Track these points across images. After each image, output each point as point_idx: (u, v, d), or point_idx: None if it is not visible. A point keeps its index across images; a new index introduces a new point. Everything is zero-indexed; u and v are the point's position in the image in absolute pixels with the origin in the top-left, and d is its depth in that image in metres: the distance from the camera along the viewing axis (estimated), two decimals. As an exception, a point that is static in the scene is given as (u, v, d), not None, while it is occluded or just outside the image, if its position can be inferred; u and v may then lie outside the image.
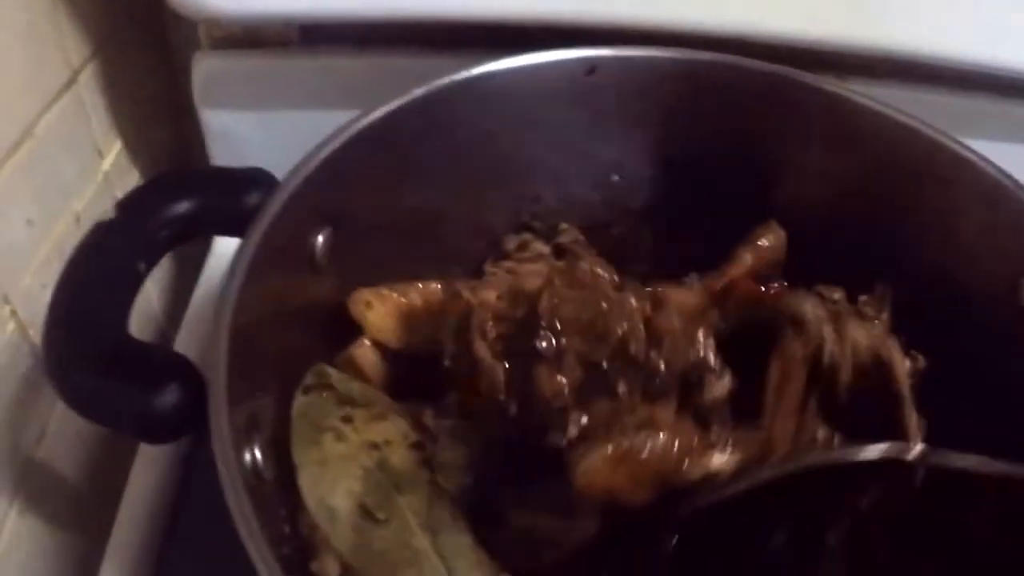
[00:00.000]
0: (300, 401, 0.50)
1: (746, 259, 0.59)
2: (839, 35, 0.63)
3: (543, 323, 0.49)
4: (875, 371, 0.52)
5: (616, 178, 0.64)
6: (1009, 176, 0.55)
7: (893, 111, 0.58)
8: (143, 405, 0.41)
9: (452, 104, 0.55)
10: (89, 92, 0.68)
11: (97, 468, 0.70)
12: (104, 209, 0.69)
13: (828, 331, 0.52)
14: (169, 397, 0.41)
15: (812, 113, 0.59)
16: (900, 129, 0.58)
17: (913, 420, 0.50)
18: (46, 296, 0.60)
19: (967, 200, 0.56)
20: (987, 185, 0.55)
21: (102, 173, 0.70)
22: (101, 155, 0.70)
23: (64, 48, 0.65)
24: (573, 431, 0.46)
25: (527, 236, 0.64)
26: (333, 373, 0.52)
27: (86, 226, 0.64)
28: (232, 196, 0.48)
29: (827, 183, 0.61)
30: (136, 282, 0.46)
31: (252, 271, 0.44)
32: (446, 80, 0.54)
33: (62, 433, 0.65)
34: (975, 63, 0.66)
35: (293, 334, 0.51)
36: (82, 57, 0.67)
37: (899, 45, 0.64)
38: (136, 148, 0.75)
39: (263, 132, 0.69)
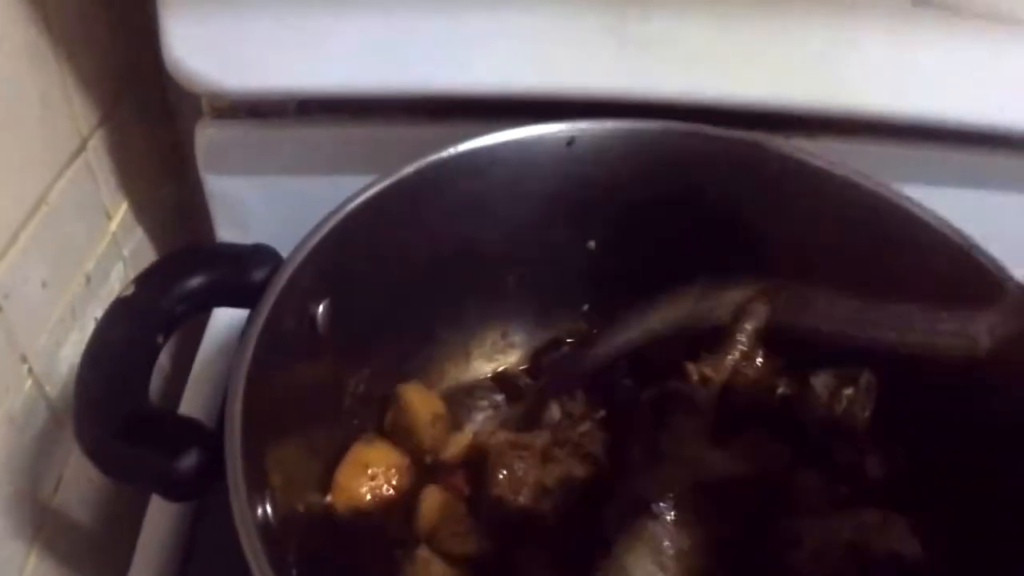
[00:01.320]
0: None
1: (742, 341, 0.67)
2: (803, 99, 0.70)
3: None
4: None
5: (592, 245, 0.71)
6: (962, 234, 0.60)
7: (860, 177, 0.64)
8: (167, 468, 0.47)
9: (442, 179, 0.61)
10: (97, 157, 0.73)
11: (111, 516, 0.75)
12: (112, 267, 0.76)
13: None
14: (189, 460, 0.47)
15: (779, 177, 0.65)
16: (862, 193, 0.64)
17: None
18: (60, 353, 0.67)
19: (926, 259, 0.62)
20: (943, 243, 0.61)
21: (110, 234, 0.75)
22: (109, 216, 0.75)
23: (74, 117, 0.70)
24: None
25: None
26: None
27: (96, 285, 0.71)
28: (240, 272, 0.54)
29: (797, 248, 0.67)
30: (154, 353, 0.52)
31: (260, 342, 0.50)
32: (437, 156, 0.61)
33: (77, 482, 0.70)
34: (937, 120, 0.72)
35: (298, 397, 0.56)
36: (91, 125, 0.72)
37: (861, 106, 0.71)
38: (141, 208, 0.80)
39: (263, 196, 0.75)
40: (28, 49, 0.63)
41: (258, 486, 0.49)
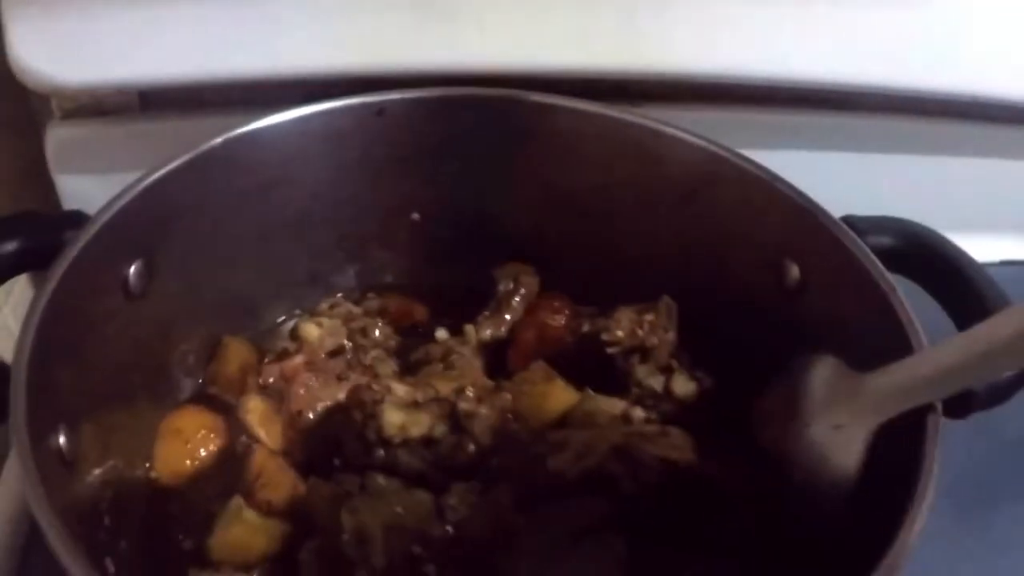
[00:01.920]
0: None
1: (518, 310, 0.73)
2: (608, 64, 0.75)
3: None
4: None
5: (416, 216, 0.75)
6: (766, 170, 0.65)
7: (649, 121, 0.68)
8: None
9: (251, 150, 0.65)
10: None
11: None
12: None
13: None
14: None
15: (568, 131, 0.70)
16: (661, 137, 0.68)
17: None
18: None
19: (730, 196, 0.67)
20: (746, 179, 0.65)
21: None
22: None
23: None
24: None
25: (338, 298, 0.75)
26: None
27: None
28: (51, 235, 0.58)
29: (593, 197, 0.72)
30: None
31: (60, 291, 0.54)
32: (244, 128, 0.65)
33: None
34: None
35: (109, 349, 0.60)
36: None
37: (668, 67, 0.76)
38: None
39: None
40: None
41: (53, 417, 0.52)
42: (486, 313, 0.74)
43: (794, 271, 0.65)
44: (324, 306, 0.73)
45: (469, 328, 0.73)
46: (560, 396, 0.66)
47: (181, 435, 0.65)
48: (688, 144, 0.67)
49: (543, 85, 0.71)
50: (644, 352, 0.67)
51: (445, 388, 0.64)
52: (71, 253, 0.56)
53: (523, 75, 0.73)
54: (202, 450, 0.65)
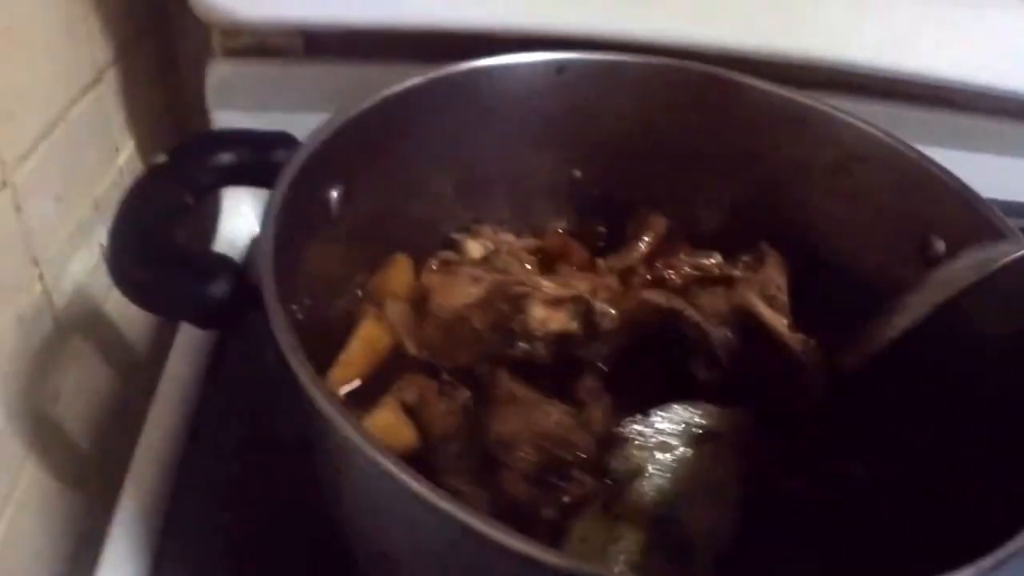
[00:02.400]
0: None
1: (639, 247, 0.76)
2: (769, 45, 0.79)
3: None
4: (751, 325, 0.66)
5: (578, 173, 0.78)
6: (918, 151, 0.67)
7: (809, 99, 0.71)
8: (199, 294, 0.52)
9: (447, 92, 0.67)
10: (111, 91, 0.79)
11: (106, 435, 0.79)
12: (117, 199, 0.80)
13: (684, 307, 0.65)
14: (220, 287, 0.52)
15: (743, 107, 0.73)
16: (819, 115, 0.71)
17: (798, 342, 0.64)
18: (68, 267, 0.72)
19: (881, 173, 0.69)
20: (898, 158, 0.68)
21: (117, 167, 0.81)
22: (117, 150, 0.81)
23: (92, 49, 0.76)
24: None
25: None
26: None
27: (103, 211, 0.76)
28: (263, 153, 0.59)
29: (756, 169, 0.75)
30: (184, 209, 0.57)
31: (282, 209, 0.55)
32: (439, 73, 0.67)
33: (74, 400, 0.74)
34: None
35: (317, 259, 0.62)
36: (107, 59, 0.78)
37: (818, 53, 0.80)
38: (145, 147, 0.85)
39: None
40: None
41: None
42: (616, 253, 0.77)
43: (939, 246, 0.66)
44: (487, 230, 0.76)
45: (600, 261, 0.76)
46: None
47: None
48: (843, 121, 0.70)
49: (703, 58, 0.74)
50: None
51: (583, 286, 0.67)
52: (291, 171, 0.57)
53: (689, 50, 0.76)
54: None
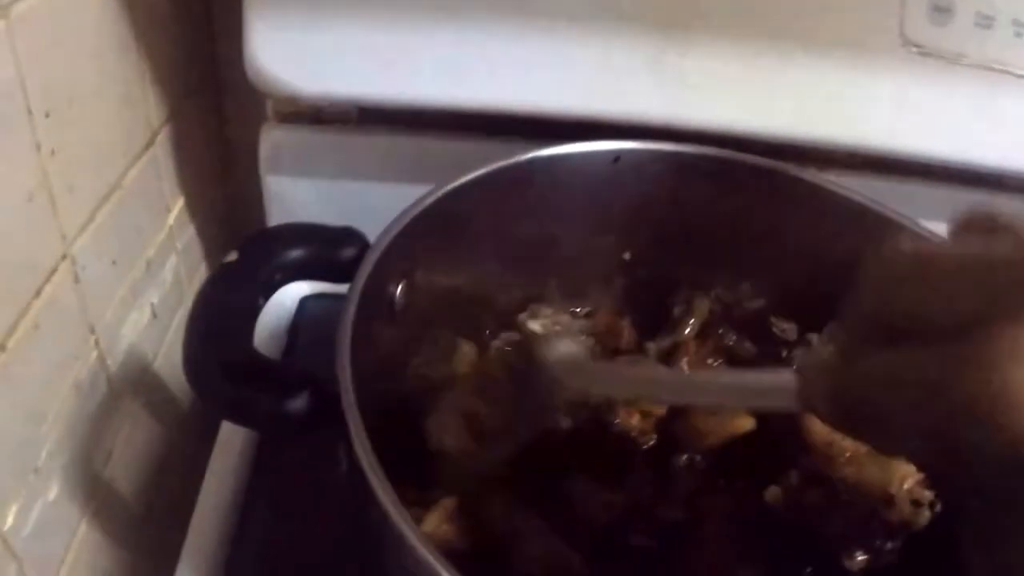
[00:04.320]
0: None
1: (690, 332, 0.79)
2: (817, 132, 0.81)
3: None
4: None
5: (628, 256, 0.81)
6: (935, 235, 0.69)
7: (867, 199, 0.74)
8: (279, 410, 0.54)
9: (506, 182, 0.70)
10: (163, 152, 0.80)
11: (158, 492, 0.81)
12: (168, 258, 0.83)
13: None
14: (300, 402, 0.54)
15: (793, 199, 0.75)
16: (868, 213, 0.73)
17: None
18: (121, 331, 0.74)
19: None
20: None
21: (168, 226, 0.83)
22: (168, 209, 0.83)
23: (148, 112, 0.78)
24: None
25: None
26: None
27: (155, 272, 0.78)
28: (332, 248, 0.62)
29: (800, 259, 0.77)
30: (256, 312, 0.59)
31: (357, 311, 0.58)
32: (503, 163, 0.69)
33: (127, 458, 0.76)
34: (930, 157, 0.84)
35: (382, 359, 0.64)
36: (160, 120, 0.80)
37: (867, 141, 0.82)
38: (193, 205, 0.87)
39: (318, 198, 0.84)
40: (119, 44, 0.71)
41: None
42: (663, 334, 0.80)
43: None
44: (547, 309, 0.78)
45: (649, 345, 0.79)
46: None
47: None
48: (897, 223, 0.73)
49: (741, 146, 0.77)
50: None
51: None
52: (366, 269, 0.60)
53: (732, 136, 0.79)
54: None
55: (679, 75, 0.77)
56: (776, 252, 0.78)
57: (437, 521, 0.62)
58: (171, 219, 0.83)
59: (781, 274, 0.78)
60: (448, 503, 0.63)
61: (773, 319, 0.79)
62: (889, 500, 0.64)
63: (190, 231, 0.88)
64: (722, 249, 0.78)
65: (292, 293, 0.87)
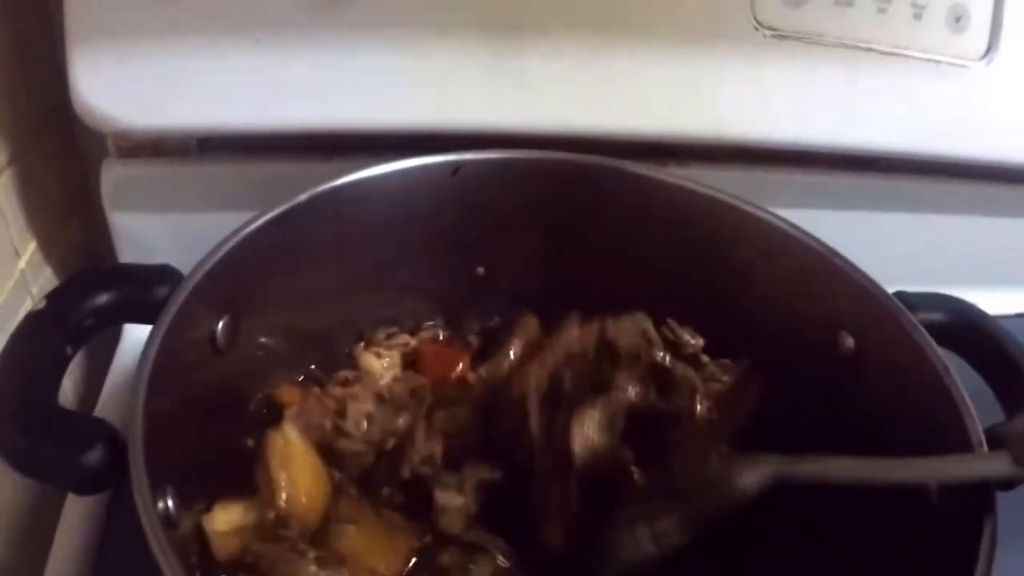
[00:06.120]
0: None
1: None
2: (671, 127, 0.81)
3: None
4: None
5: (481, 271, 0.80)
6: (823, 244, 0.70)
7: (712, 191, 0.73)
8: (74, 463, 0.53)
9: (333, 206, 0.69)
10: (7, 196, 0.79)
11: (26, 524, 0.80)
12: (21, 304, 0.82)
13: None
14: (95, 455, 0.53)
15: (636, 196, 0.75)
16: (723, 207, 0.73)
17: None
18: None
19: (788, 269, 0.72)
20: (804, 253, 0.71)
21: (18, 271, 0.82)
22: (18, 254, 0.82)
23: (-13, 153, 0.77)
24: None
25: (394, 329, 0.79)
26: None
27: (4, 317, 0.77)
28: (144, 289, 0.61)
29: (660, 260, 0.77)
30: (64, 362, 0.58)
31: (162, 351, 0.57)
32: (328, 185, 0.68)
33: None
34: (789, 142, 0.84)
35: (201, 405, 0.63)
36: (2, 163, 0.79)
37: (726, 133, 0.82)
38: (48, 247, 0.86)
39: (166, 232, 0.82)
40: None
41: (160, 483, 0.55)
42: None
43: (848, 342, 0.69)
44: (381, 336, 0.78)
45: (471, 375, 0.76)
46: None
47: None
48: (750, 216, 0.73)
49: (599, 148, 0.76)
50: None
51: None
52: (171, 311, 0.59)
53: (582, 137, 0.78)
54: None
55: (518, 79, 0.77)
56: (631, 253, 0.77)
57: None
58: (22, 263, 0.82)
59: (638, 275, 0.77)
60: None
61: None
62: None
63: (47, 273, 0.87)
64: (577, 257, 0.78)
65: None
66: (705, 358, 0.76)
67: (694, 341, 0.75)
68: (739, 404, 0.70)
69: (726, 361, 0.75)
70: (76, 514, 0.73)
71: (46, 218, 0.86)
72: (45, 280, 0.86)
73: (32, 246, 0.84)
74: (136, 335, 0.83)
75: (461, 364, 0.78)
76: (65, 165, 0.90)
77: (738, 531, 0.62)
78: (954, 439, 0.58)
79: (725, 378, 0.74)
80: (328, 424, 0.68)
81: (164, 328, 0.58)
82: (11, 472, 0.55)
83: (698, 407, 0.71)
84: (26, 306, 0.82)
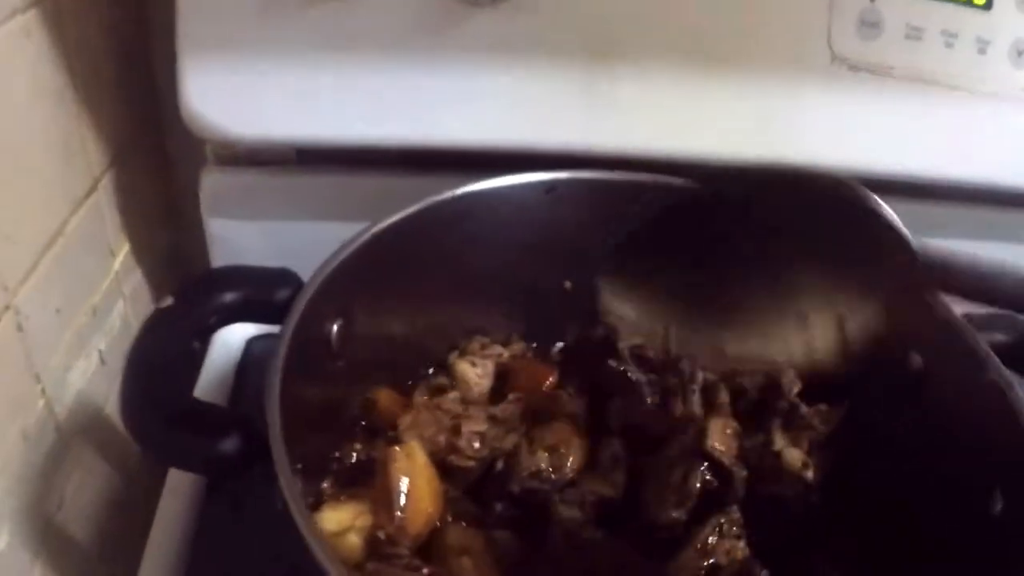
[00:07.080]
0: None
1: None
2: (750, 154, 0.83)
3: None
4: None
5: (568, 285, 0.83)
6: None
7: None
8: (211, 452, 0.57)
9: (438, 219, 0.72)
10: (106, 197, 0.83)
11: (111, 535, 0.83)
12: (115, 304, 0.85)
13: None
14: (231, 444, 0.57)
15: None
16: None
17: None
18: (68, 378, 0.76)
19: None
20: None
21: (113, 272, 0.85)
22: (113, 254, 0.85)
23: (89, 160, 0.80)
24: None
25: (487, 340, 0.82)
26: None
27: (101, 318, 0.81)
28: (266, 290, 0.64)
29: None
30: (192, 357, 0.62)
31: (292, 347, 0.60)
32: (436, 199, 0.72)
33: (78, 501, 0.78)
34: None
35: (314, 405, 0.66)
36: (102, 167, 0.82)
37: (801, 160, 0.84)
38: (140, 249, 0.89)
39: (261, 239, 0.86)
40: (55, 94, 0.74)
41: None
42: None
43: (916, 361, 0.72)
44: (476, 346, 0.80)
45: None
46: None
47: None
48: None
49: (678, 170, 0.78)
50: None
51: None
52: (298, 310, 0.62)
53: (673, 160, 0.81)
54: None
55: (611, 102, 0.80)
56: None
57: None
58: (117, 264, 0.86)
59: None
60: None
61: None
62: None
63: (137, 275, 0.90)
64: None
65: (238, 335, 0.88)
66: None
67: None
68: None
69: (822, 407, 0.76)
70: (176, 492, 0.77)
71: (139, 221, 0.89)
72: (136, 282, 0.89)
73: (126, 248, 0.88)
74: (221, 338, 0.87)
75: (551, 378, 0.80)
76: (158, 171, 0.93)
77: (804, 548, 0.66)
78: (1017, 454, 0.61)
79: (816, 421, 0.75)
80: (443, 439, 0.71)
81: (292, 326, 0.61)
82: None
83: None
84: (119, 306, 0.86)
